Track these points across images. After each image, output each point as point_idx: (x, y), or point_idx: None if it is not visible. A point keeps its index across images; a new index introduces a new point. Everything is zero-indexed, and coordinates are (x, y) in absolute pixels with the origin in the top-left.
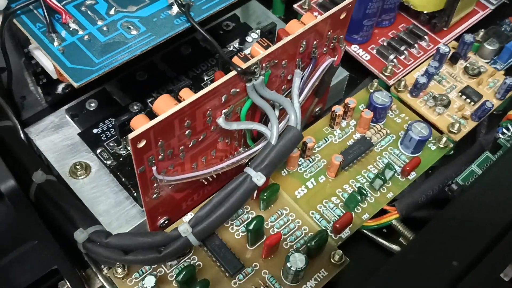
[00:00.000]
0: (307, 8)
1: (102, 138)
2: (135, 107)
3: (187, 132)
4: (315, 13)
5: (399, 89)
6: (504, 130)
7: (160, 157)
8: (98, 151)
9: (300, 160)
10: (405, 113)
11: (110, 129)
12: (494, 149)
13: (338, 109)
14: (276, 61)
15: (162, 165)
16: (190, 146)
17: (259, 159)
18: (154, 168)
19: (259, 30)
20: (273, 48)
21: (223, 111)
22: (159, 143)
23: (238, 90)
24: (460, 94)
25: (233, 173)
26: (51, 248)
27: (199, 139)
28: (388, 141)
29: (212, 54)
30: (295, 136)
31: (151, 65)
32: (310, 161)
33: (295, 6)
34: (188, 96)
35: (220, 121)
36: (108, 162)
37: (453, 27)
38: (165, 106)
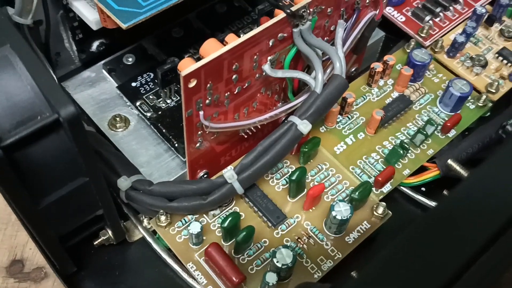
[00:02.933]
0: None
1: (141, 91)
2: (174, 62)
3: (234, 76)
4: None
5: (436, 50)
6: None
7: (207, 101)
8: (138, 103)
9: (339, 118)
10: (442, 73)
11: (149, 83)
12: None
13: (377, 65)
14: (323, 7)
15: (208, 111)
16: (235, 93)
17: (304, 107)
18: (201, 113)
19: None
20: None
21: (269, 57)
22: (208, 85)
23: (285, 35)
24: (496, 55)
25: (270, 131)
26: (101, 187)
27: (244, 87)
28: (427, 99)
29: (247, 12)
30: (340, 84)
31: (187, 22)
32: (348, 118)
33: None
34: (234, 40)
35: (266, 67)
36: (148, 114)
37: None
38: (212, 49)
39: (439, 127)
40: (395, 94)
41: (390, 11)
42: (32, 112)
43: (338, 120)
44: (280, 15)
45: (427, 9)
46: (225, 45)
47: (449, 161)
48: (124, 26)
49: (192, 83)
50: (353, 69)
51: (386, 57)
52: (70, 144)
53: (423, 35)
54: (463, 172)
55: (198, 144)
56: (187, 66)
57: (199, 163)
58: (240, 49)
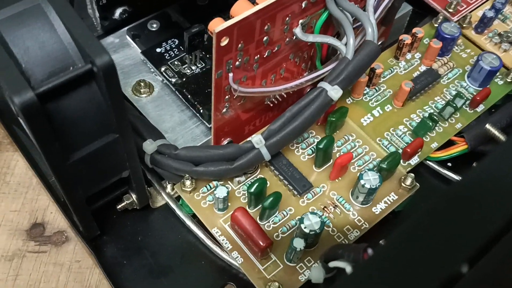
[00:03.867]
0: None
1: (166, 57)
2: (196, 29)
3: (265, 38)
4: None
5: (464, 25)
6: None
7: (237, 63)
8: (163, 69)
9: (366, 90)
10: (470, 49)
11: (174, 49)
12: None
13: (406, 37)
14: None
15: (237, 74)
16: (264, 56)
17: (334, 73)
18: (231, 75)
19: None
20: None
21: (300, 21)
22: (239, 45)
23: None
24: None
25: (295, 101)
26: (130, 146)
27: (274, 51)
28: (455, 74)
29: None
30: (372, 50)
31: None
32: (376, 90)
33: None
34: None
35: (297, 30)
36: (173, 80)
37: None
38: (244, 9)
39: (468, 102)
40: (423, 68)
41: None
42: (65, 62)
43: (365, 92)
44: None
45: None
46: (256, 5)
47: (488, 126)
48: None
49: (224, 42)
50: (379, 42)
51: (415, 30)
52: (102, 98)
53: (450, 10)
54: (501, 137)
55: (224, 110)
56: (217, 25)
57: (224, 130)
58: (273, 9)
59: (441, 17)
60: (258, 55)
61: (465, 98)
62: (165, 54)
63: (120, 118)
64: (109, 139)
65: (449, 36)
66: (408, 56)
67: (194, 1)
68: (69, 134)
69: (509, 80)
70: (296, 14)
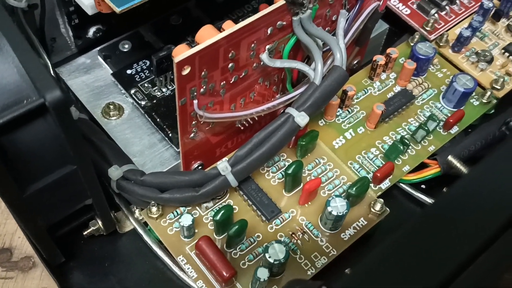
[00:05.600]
0: None
1: (136, 79)
2: (170, 49)
3: (230, 65)
4: None
5: (441, 44)
6: None
7: (202, 90)
8: (132, 91)
9: (339, 111)
10: (446, 68)
11: (144, 71)
12: None
13: (380, 58)
14: None
15: (203, 100)
16: (231, 82)
17: (302, 99)
18: (195, 102)
19: None
20: None
21: (267, 46)
22: (203, 73)
23: (284, 23)
24: (503, 51)
25: (267, 123)
26: (89, 176)
27: (241, 76)
28: (430, 94)
29: (248, 0)
30: (340, 76)
31: (185, 10)
32: (349, 112)
33: None
34: (231, 27)
35: (264, 56)
36: (143, 102)
37: None
38: (209, 35)
39: (442, 123)
40: (397, 88)
41: (395, 3)
42: (18, 95)
43: (338, 113)
44: (279, 2)
45: (433, 2)
46: (222, 32)
47: (450, 158)
48: (118, 10)
49: (186, 70)
50: (355, 62)
51: (389, 50)
52: (58, 130)
53: (428, 29)
54: (463, 169)
55: (192, 135)
56: (181, 52)
57: (194, 154)
58: (237, 36)
59: (417, 36)
60: (224, 81)
61: (437, 121)
62: (136, 76)
63: (76, 151)
64: (67, 170)
65: (423, 57)
66: (383, 76)
67: (167, 20)
68: (25, 167)
69: (485, 101)
70: (262, 40)
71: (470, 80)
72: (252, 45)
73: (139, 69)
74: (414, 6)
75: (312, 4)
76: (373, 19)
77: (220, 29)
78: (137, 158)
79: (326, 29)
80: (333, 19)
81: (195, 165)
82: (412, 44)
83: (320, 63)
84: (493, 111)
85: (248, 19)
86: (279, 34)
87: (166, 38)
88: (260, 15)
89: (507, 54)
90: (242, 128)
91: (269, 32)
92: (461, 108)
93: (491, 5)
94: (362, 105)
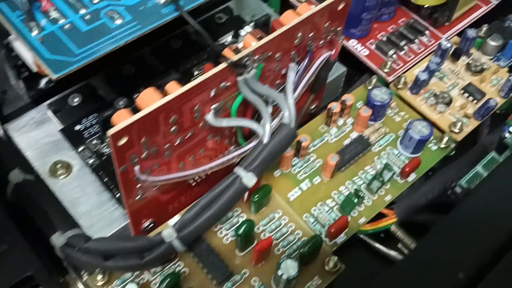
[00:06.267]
0: (303, 0)
1: (85, 136)
2: (121, 103)
3: (173, 128)
4: (312, 6)
5: (399, 86)
6: (511, 129)
7: (143, 155)
8: (81, 149)
9: (295, 160)
10: (405, 111)
11: (94, 126)
12: (500, 149)
13: (335, 106)
14: (270, 53)
15: (146, 164)
16: (176, 144)
17: (249, 158)
18: (137, 168)
19: (253, 23)
20: (266, 39)
21: (213, 106)
22: (143, 140)
23: (228, 84)
24: (462, 91)
25: (224, 173)
26: (24, 254)
27: (187, 137)
28: (387, 140)
29: (204, 48)
30: (288, 134)
31: (139, 58)
32: (305, 161)
33: None
34: (175, 89)
35: (209, 117)
36: (91, 161)
37: (455, 22)
38: (150, 100)
39: (398, 171)
40: (355, 135)
41: (353, 44)
42: None
43: (293, 162)
44: (220, 65)
45: (392, 42)
46: (164, 94)
47: (392, 228)
48: (54, 77)
49: (123, 141)
50: (312, 107)
51: (344, 97)
52: None
53: (386, 70)
54: (408, 241)
55: (138, 197)
56: (122, 119)
57: (143, 213)
58: (177, 102)
59: (374, 80)
60: (169, 143)
61: (392, 171)
62: (84, 132)
63: (5, 233)
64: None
65: (379, 103)
66: (341, 121)
67: (120, 71)
68: None
69: (443, 146)
70: (207, 101)
71: (426, 126)
72: (196, 107)
73: (88, 124)
74: (373, 47)
75: (257, 64)
76: (326, 68)
77: (164, 92)
78: (84, 219)
79: (277, 82)
80: (283, 72)
81: (146, 224)
82: (370, 87)
83: (268, 122)
84: (453, 152)
85: (187, 85)
86: (225, 93)
87: (118, 89)
88: (200, 80)
89: (466, 94)
90: (194, 183)
91: (212, 93)
92: (418, 155)
93: (449, 45)
94: (319, 153)
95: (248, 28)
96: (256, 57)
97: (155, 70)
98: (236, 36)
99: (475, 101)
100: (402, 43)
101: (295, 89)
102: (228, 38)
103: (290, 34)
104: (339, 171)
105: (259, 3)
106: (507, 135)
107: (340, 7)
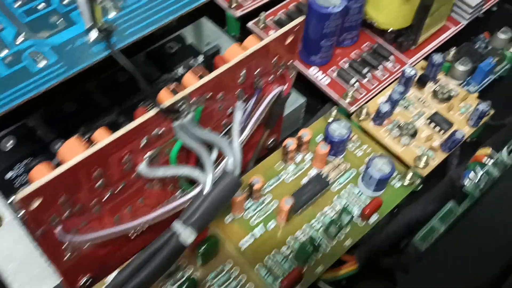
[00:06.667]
0: (262, 25)
1: (15, 185)
2: (57, 146)
3: (98, 183)
4: (271, 31)
5: (361, 118)
6: (471, 176)
7: (65, 214)
8: (11, 199)
9: (249, 202)
10: (367, 144)
11: (28, 171)
12: (459, 199)
13: (290, 143)
14: (209, 94)
15: (71, 223)
16: (105, 199)
17: (189, 211)
18: (58, 229)
19: (202, 55)
20: (203, 80)
21: (146, 155)
22: (61, 199)
23: (162, 129)
24: (428, 121)
25: (173, 218)
26: None
27: (117, 190)
28: (347, 177)
29: (151, 81)
30: (231, 183)
31: (82, 94)
32: (259, 204)
33: (249, 24)
34: (103, 137)
35: (142, 168)
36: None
37: (422, 45)
38: (72, 152)
39: (359, 213)
40: (313, 172)
41: (314, 72)
42: None
43: (247, 206)
44: (150, 112)
45: (354, 69)
46: (89, 145)
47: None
48: None
49: (36, 203)
50: (270, 141)
51: (301, 132)
52: None
53: (348, 100)
54: None
55: (66, 257)
56: (41, 175)
57: (79, 269)
58: (99, 156)
59: (334, 111)
60: (96, 199)
61: (351, 214)
62: (15, 181)
63: None
64: None
65: (337, 139)
66: (299, 157)
67: (60, 109)
68: None
69: (407, 183)
70: (138, 151)
71: (387, 163)
72: (125, 158)
73: (21, 171)
74: (334, 75)
75: (195, 106)
76: (279, 103)
77: (90, 140)
78: (15, 276)
79: (223, 121)
80: (229, 111)
81: (84, 280)
82: (329, 120)
83: (210, 171)
84: (420, 187)
85: (113, 134)
86: (159, 140)
87: (58, 129)
88: (128, 129)
89: (432, 124)
90: (134, 236)
91: (144, 142)
92: (380, 194)
93: (413, 72)
94: (276, 193)
95: (201, 58)
96: (193, 99)
97: (99, 106)
98: (188, 67)
99: (442, 131)
100: (365, 70)
101: (243, 129)
102: (180, 69)
103: (232, 73)
104: (296, 214)
105: (216, 29)
106: (466, 182)
107: (288, 41)
